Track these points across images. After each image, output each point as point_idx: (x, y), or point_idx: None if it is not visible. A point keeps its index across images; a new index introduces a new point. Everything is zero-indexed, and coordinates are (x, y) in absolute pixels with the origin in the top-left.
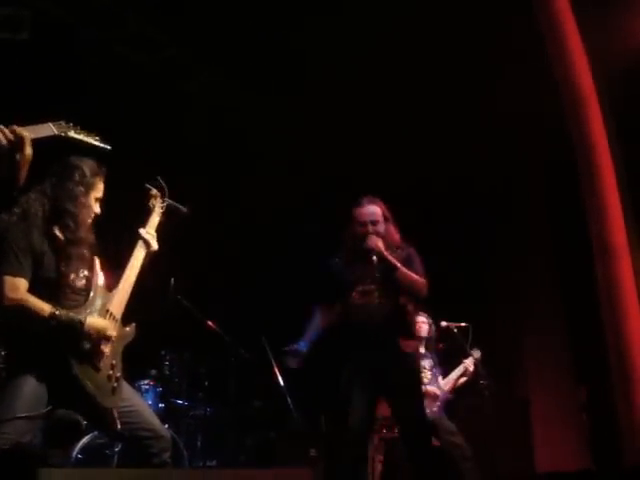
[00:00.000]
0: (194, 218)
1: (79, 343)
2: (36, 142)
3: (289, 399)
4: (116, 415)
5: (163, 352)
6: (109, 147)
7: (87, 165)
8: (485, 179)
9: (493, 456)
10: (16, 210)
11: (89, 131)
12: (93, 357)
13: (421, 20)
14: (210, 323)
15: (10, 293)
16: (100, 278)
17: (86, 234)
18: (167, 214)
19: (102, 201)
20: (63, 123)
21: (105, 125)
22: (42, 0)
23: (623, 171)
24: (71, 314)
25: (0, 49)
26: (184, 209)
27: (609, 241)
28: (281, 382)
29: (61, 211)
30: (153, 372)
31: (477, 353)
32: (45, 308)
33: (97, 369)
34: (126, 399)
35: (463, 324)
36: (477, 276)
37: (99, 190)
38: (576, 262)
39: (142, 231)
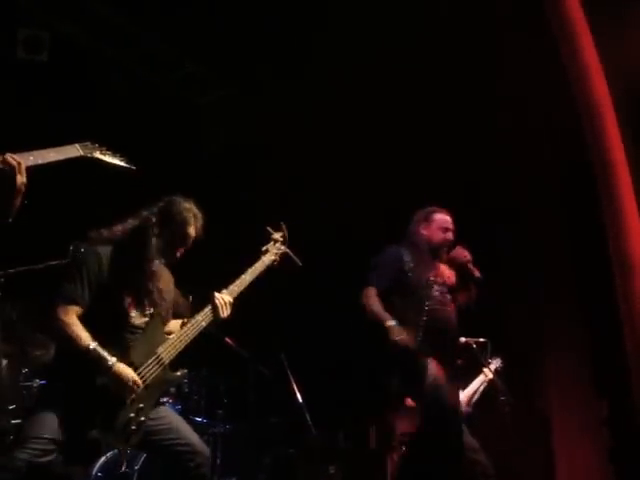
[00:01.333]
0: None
1: (102, 382)
2: (63, 163)
3: (307, 415)
4: (123, 458)
5: (181, 369)
6: (134, 167)
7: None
8: (501, 193)
9: (513, 472)
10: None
11: (114, 152)
12: (114, 398)
13: (432, 24)
14: (228, 339)
15: (61, 315)
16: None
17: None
18: (280, 263)
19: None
20: (89, 144)
21: (122, 143)
22: (59, 21)
23: None
24: (104, 354)
25: (18, 70)
26: (299, 263)
27: (628, 256)
28: (299, 399)
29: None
30: (172, 389)
31: (497, 362)
32: (84, 339)
33: (115, 413)
34: (161, 417)
35: (482, 340)
36: (495, 291)
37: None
38: (596, 277)
39: (218, 295)
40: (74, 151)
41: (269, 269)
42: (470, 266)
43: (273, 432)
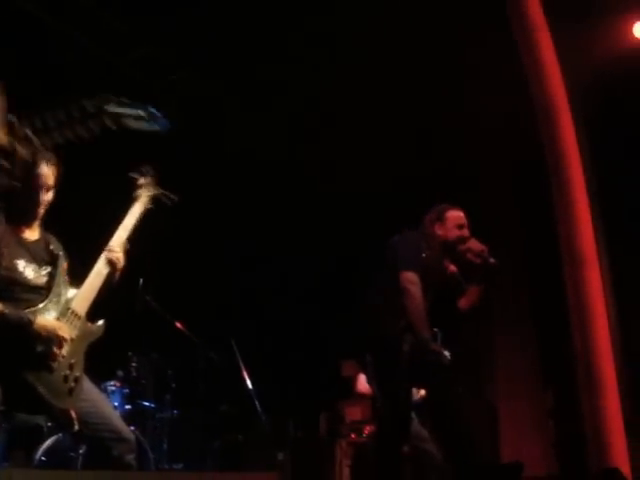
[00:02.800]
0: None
1: (28, 343)
2: None
3: (257, 402)
4: (74, 416)
5: (130, 353)
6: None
7: None
8: (454, 179)
9: None
10: None
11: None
12: (45, 358)
13: (396, 25)
14: (179, 324)
15: None
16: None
17: None
18: (157, 203)
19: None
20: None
21: None
22: None
23: (594, 180)
24: (20, 312)
25: None
26: (175, 198)
27: (578, 248)
28: (249, 385)
29: None
30: (120, 373)
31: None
32: None
33: (50, 370)
34: (88, 399)
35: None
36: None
37: None
38: (546, 268)
39: (107, 250)
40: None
41: (148, 212)
42: (486, 255)
43: (222, 418)
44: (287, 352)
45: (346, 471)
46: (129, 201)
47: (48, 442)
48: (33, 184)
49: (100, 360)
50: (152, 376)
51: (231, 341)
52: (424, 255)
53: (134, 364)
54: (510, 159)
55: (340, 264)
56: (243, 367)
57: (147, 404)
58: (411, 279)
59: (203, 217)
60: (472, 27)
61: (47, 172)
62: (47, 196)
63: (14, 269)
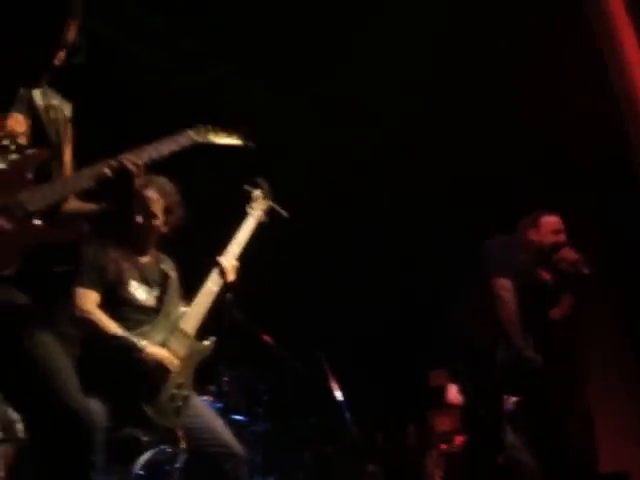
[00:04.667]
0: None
1: (138, 367)
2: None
3: (346, 414)
4: (180, 434)
5: (221, 367)
6: (252, 144)
7: None
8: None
9: None
10: None
11: (228, 131)
12: (153, 382)
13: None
14: (267, 337)
15: (81, 304)
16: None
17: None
18: (269, 217)
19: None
20: (201, 127)
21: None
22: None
23: None
24: (133, 338)
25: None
26: (285, 214)
27: None
28: (339, 397)
29: None
30: (212, 388)
31: None
32: (110, 327)
33: (158, 390)
34: (198, 415)
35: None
36: None
37: None
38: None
39: (222, 259)
40: (188, 138)
41: (261, 226)
42: (580, 265)
43: (312, 430)
44: (373, 363)
45: None
46: (242, 215)
47: (146, 456)
48: (136, 208)
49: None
50: (243, 390)
51: (319, 353)
52: (517, 261)
53: (225, 378)
54: (596, 161)
55: (425, 272)
56: (331, 379)
57: (239, 418)
58: (503, 285)
59: (290, 230)
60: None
61: (154, 197)
62: (156, 221)
63: (126, 290)
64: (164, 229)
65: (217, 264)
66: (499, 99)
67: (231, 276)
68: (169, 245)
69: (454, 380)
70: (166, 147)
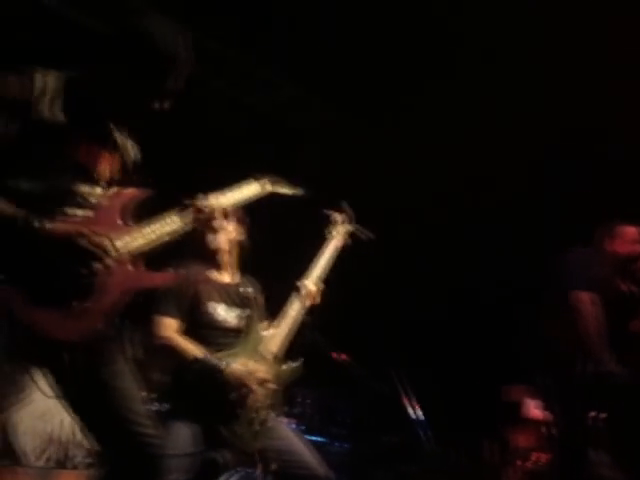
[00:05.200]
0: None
1: (220, 388)
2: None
3: (420, 432)
4: (257, 458)
5: (301, 389)
6: (305, 193)
7: None
8: None
9: None
10: None
11: (287, 181)
12: (234, 404)
13: None
14: (344, 357)
15: (160, 331)
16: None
17: None
18: (352, 240)
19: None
20: (266, 179)
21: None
22: None
23: None
24: (214, 360)
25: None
26: (370, 235)
27: None
28: (414, 415)
29: None
30: (288, 409)
31: None
32: (190, 350)
33: (236, 415)
34: (281, 438)
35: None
36: None
37: None
38: None
39: (306, 283)
40: (255, 189)
41: (343, 249)
42: None
43: (388, 449)
44: (446, 380)
45: None
46: (323, 238)
47: (223, 478)
48: (208, 232)
49: None
50: (323, 411)
51: (392, 372)
52: (596, 273)
53: (306, 400)
54: None
55: (504, 288)
56: (406, 397)
57: (317, 439)
58: (581, 298)
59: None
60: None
61: (223, 224)
62: (229, 245)
63: (212, 313)
64: (243, 251)
65: (299, 288)
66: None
67: (315, 299)
68: (251, 268)
69: (533, 396)
70: (236, 197)
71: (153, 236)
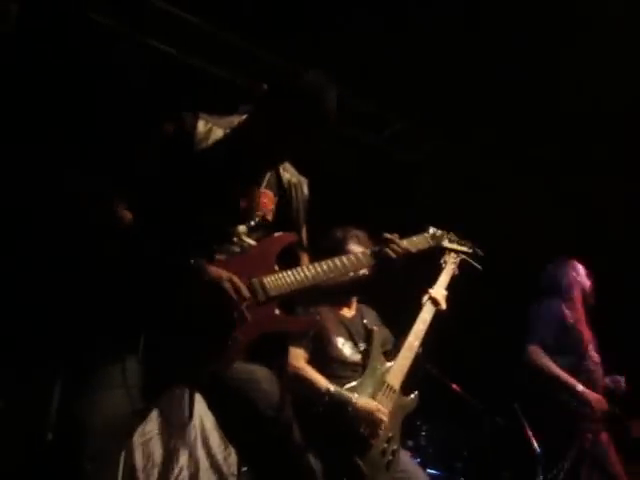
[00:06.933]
0: None
1: (352, 422)
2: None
3: (540, 467)
4: None
5: (419, 422)
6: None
7: None
8: None
9: None
10: None
11: (459, 238)
12: (366, 437)
13: None
14: (459, 389)
15: (292, 361)
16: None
17: None
18: (461, 271)
19: None
20: (437, 232)
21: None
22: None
23: None
24: (345, 393)
25: None
26: (479, 267)
27: None
28: (536, 449)
29: None
30: (410, 443)
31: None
32: (321, 382)
33: (369, 446)
34: (405, 470)
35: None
36: None
37: None
38: None
39: (432, 291)
40: (426, 242)
41: (453, 280)
42: None
43: None
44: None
45: None
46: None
47: None
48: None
49: None
50: (441, 444)
51: (514, 405)
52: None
53: (423, 433)
54: None
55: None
56: (528, 430)
57: (438, 473)
58: (535, 353)
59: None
60: None
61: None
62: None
63: (334, 347)
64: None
65: (429, 296)
66: None
67: (444, 304)
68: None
69: None
70: (419, 244)
71: (313, 283)
